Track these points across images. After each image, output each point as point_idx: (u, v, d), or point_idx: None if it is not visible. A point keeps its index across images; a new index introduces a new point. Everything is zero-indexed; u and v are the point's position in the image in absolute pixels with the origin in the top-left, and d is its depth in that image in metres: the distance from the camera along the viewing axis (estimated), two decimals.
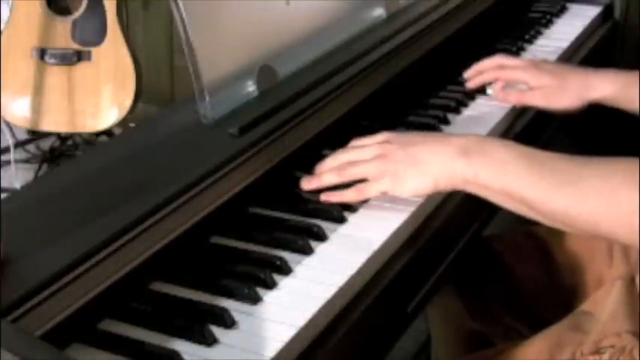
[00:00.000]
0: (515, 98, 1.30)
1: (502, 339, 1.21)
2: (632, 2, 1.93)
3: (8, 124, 2.46)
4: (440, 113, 1.26)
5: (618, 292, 1.07)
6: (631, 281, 1.09)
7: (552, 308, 1.20)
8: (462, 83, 1.36)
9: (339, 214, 1.00)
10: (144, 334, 0.81)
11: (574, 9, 1.77)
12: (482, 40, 1.52)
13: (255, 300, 0.85)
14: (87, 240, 0.83)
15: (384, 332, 0.99)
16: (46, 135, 2.57)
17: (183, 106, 1.12)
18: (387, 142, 1.03)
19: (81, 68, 2.25)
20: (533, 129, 1.34)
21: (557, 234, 1.25)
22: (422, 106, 1.29)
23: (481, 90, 1.35)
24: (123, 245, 0.84)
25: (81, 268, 0.80)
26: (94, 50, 2.24)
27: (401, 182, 0.99)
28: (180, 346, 0.79)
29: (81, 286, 0.79)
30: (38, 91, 2.28)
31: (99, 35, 2.24)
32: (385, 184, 1.00)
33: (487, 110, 1.30)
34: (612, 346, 1.00)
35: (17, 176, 2.45)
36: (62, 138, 2.60)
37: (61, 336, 0.76)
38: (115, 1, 2.22)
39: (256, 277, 0.88)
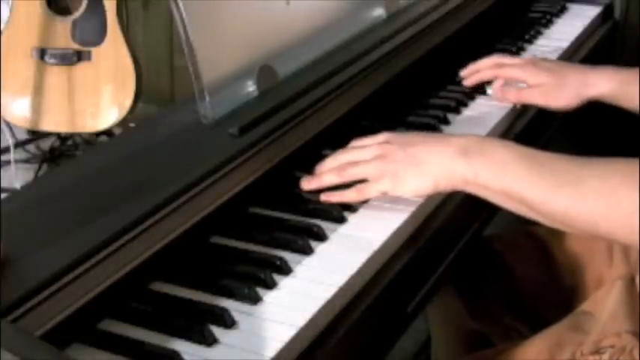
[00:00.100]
0: (514, 96, 1.30)
1: (502, 339, 1.21)
2: (632, 2, 1.93)
3: (8, 124, 2.46)
4: (440, 113, 1.26)
5: (618, 292, 1.07)
6: (631, 281, 1.09)
7: (552, 308, 1.20)
8: (461, 83, 1.36)
9: (339, 214, 1.00)
10: (144, 334, 0.81)
11: (574, 9, 1.77)
12: (482, 40, 1.52)
13: (255, 300, 0.85)
14: (87, 240, 0.83)
15: (384, 332, 0.99)
16: (46, 135, 2.57)
17: (183, 106, 1.12)
18: (387, 142, 1.03)
19: (81, 68, 2.25)
20: (533, 129, 1.34)
21: (557, 234, 1.25)
22: (422, 106, 1.29)
23: (481, 90, 1.35)
24: (123, 245, 0.84)
25: (81, 268, 0.80)
26: (94, 50, 2.24)
27: (401, 182, 0.99)
28: (180, 346, 0.79)
29: (81, 286, 0.79)
30: (38, 91, 2.28)
31: (99, 35, 2.24)
32: (385, 184, 1.00)
33: (487, 110, 1.30)
34: (612, 346, 1.00)
35: (17, 176, 2.45)
36: (62, 138, 2.60)
37: (61, 336, 0.76)
38: (115, 1, 2.22)
39: (256, 277, 0.88)
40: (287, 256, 0.92)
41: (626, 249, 1.14)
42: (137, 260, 0.85)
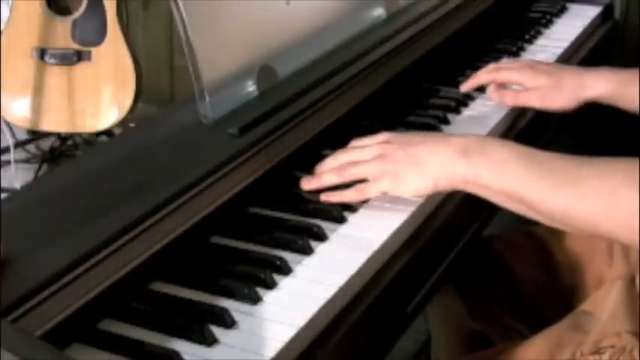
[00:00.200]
0: (511, 99, 1.30)
1: (502, 339, 1.21)
2: (632, 2, 1.93)
3: (8, 124, 2.46)
4: (440, 113, 1.26)
5: (618, 292, 1.07)
6: (631, 281, 1.09)
7: (552, 308, 1.20)
8: (461, 84, 1.36)
9: (339, 214, 1.00)
10: (144, 334, 0.81)
11: (574, 9, 1.77)
12: (483, 40, 1.52)
13: (255, 300, 0.85)
14: (87, 240, 0.83)
15: (384, 332, 0.99)
16: (46, 135, 2.57)
17: (183, 106, 1.12)
18: (387, 142, 1.03)
19: (81, 68, 2.25)
20: (533, 129, 1.34)
21: (557, 234, 1.25)
22: (422, 106, 1.29)
23: (481, 89, 1.35)
24: (123, 245, 0.84)
25: (81, 268, 0.80)
26: (94, 50, 2.24)
27: (401, 182, 0.99)
28: (180, 346, 0.79)
29: (81, 286, 0.79)
30: (38, 91, 2.28)
31: (99, 35, 2.24)
32: (385, 184, 1.00)
33: (487, 110, 1.30)
34: (612, 346, 1.00)
35: (17, 176, 2.45)
36: (62, 138, 2.60)
37: (61, 336, 0.76)
38: (115, 1, 2.22)
39: (256, 277, 0.88)
40: (287, 256, 0.92)
41: (626, 249, 1.14)
42: (137, 260, 0.85)
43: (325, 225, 0.98)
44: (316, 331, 0.84)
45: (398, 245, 0.98)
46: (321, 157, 1.06)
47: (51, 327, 0.75)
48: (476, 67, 1.37)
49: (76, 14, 2.25)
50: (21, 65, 2.27)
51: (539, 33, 1.63)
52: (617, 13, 1.80)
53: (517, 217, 0.98)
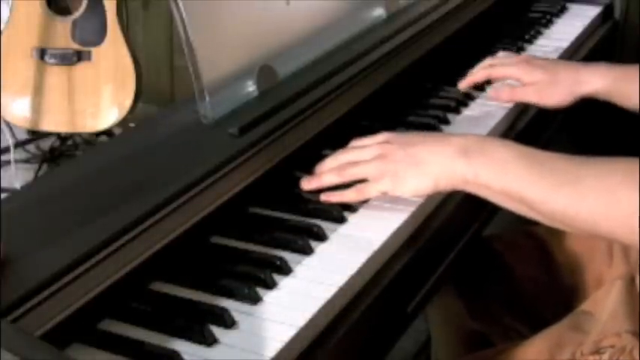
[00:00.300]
0: (507, 95, 1.31)
1: (502, 339, 1.21)
2: (632, 2, 1.93)
3: (8, 124, 2.46)
4: (440, 113, 1.26)
5: (618, 292, 1.07)
6: (631, 281, 1.09)
7: (552, 308, 1.20)
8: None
9: (339, 214, 1.00)
10: (144, 334, 0.81)
11: (574, 9, 1.77)
12: (483, 40, 1.52)
13: (255, 300, 0.85)
14: (87, 240, 0.83)
15: (384, 332, 0.99)
16: (46, 135, 2.57)
17: (183, 106, 1.12)
18: (387, 142, 1.03)
19: (81, 68, 2.25)
20: (533, 129, 1.34)
21: (557, 234, 1.25)
22: (422, 106, 1.29)
23: (481, 89, 1.35)
24: (123, 245, 0.84)
25: (81, 268, 0.80)
26: (94, 50, 2.24)
27: (401, 182, 0.99)
28: (180, 346, 0.79)
29: (81, 286, 0.79)
30: (38, 91, 2.28)
31: (99, 35, 2.24)
32: (385, 184, 1.00)
33: (487, 110, 1.30)
34: (612, 346, 1.00)
35: (17, 176, 2.45)
36: (62, 138, 2.60)
37: (61, 336, 0.76)
38: (115, 1, 2.22)
39: (256, 277, 0.88)
40: (287, 256, 0.92)
41: (626, 249, 1.14)
42: (137, 260, 0.85)
43: (325, 225, 0.98)
44: (316, 331, 0.84)
45: (398, 245, 0.98)
46: (321, 157, 1.06)
47: (51, 327, 0.75)
48: None
49: (76, 14, 2.25)
50: (21, 65, 2.27)
51: (539, 33, 1.63)
52: (617, 13, 1.80)
53: (517, 217, 0.98)
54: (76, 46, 2.25)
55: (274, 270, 0.90)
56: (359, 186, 1.01)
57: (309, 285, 0.88)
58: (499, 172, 0.95)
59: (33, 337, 0.73)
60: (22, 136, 2.64)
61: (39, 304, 0.76)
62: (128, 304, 0.84)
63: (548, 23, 1.68)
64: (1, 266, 0.77)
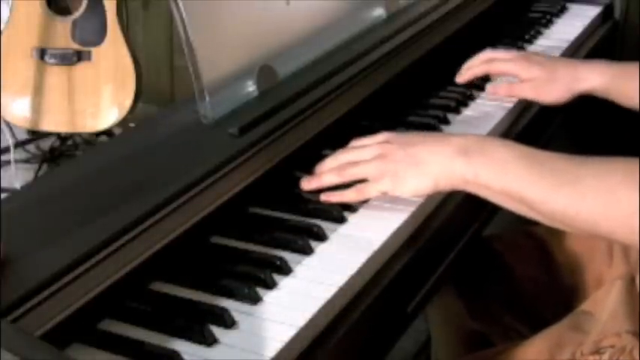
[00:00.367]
0: (505, 91, 1.31)
1: (502, 339, 1.21)
2: (632, 2, 1.93)
3: (8, 124, 2.46)
4: (440, 113, 1.26)
5: (618, 292, 1.07)
6: (631, 281, 1.09)
7: (552, 308, 1.20)
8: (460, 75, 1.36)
9: (339, 214, 1.00)
10: (144, 334, 0.81)
11: (574, 9, 1.77)
12: (483, 40, 1.52)
13: (255, 300, 0.85)
14: (87, 240, 0.83)
15: (384, 332, 0.99)
16: (46, 135, 2.57)
17: (183, 106, 1.12)
18: (387, 142, 1.03)
19: (81, 68, 2.25)
20: (533, 129, 1.34)
21: (556, 234, 1.25)
22: (422, 106, 1.29)
23: (481, 88, 1.35)
24: (123, 245, 0.84)
25: (81, 268, 0.80)
26: (94, 50, 2.24)
27: (401, 182, 0.99)
28: (180, 346, 0.79)
29: (81, 286, 0.79)
30: (38, 91, 2.28)
31: (99, 35, 2.24)
32: (385, 184, 1.00)
33: (487, 110, 1.30)
34: (612, 346, 1.00)
35: (17, 176, 2.45)
36: (62, 138, 2.60)
37: (61, 336, 0.76)
38: (115, 1, 2.22)
39: (256, 277, 0.88)
40: (287, 256, 0.92)
41: (626, 249, 1.14)
42: (137, 260, 0.85)
43: (325, 225, 0.98)
44: (316, 331, 0.84)
45: (398, 245, 0.98)
46: (321, 157, 1.06)
47: (51, 327, 0.75)
48: None
49: (76, 14, 2.25)
50: (21, 65, 2.27)
51: (539, 33, 1.63)
52: (617, 13, 1.80)
53: (517, 217, 0.98)
54: (76, 46, 2.25)
55: (274, 270, 0.90)
56: (359, 186, 1.01)
57: (309, 285, 0.88)
58: (499, 172, 0.95)
59: (33, 337, 0.73)
60: (22, 136, 2.64)
61: (39, 304, 0.76)
62: (128, 304, 0.84)
63: (548, 23, 1.68)
64: (1, 266, 0.77)
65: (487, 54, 1.34)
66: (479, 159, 0.96)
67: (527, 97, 1.30)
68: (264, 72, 1.15)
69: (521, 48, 1.54)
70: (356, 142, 1.07)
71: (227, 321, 0.82)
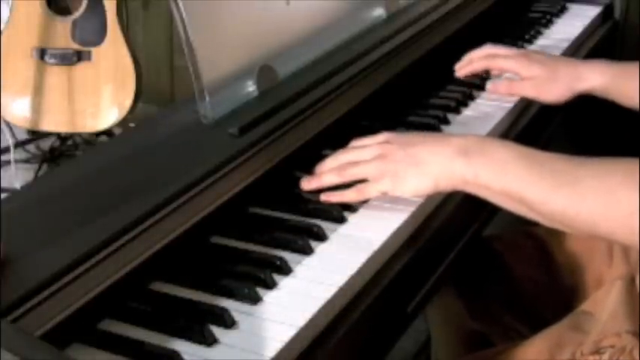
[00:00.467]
0: (505, 88, 1.31)
1: (502, 339, 1.21)
2: (632, 2, 1.93)
3: (8, 124, 2.46)
4: (440, 113, 1.26)
5: (618, 292, 1.07)
6: (631, 281, 1.09)
7: (552, 308, 1.20)
8: (462, 83, 1.36)
9: (339, 214, 1.00)
10: (144, 334, 0.81)
11: (574, 9, 1.77)
12: (483, 40, 1.52)
13: (255, 300, 0.85)
14: (87, 240, 0.83)
15: (384, 332, 0.99)
16: (46, 135, 2.57)
17: (183, 106, 1.12)
18: (387, 142, 1.03)
19: (81, 68, 2.25)
20: (533, 129, 1.34)
21: (556, 234, 1.25)
22: (422, 106, 1.29)
23: (481, 87, 1.35)
24: (123, 245, 0.84)
25: (81, 268, 0.80)
26: (94, 50, 2.24)
27: (401, 182, 0.99)
28: (180, 346, 0.79)
29: (81, 286, 0.79)
30: (38, 91, 2.28)
31: (99, 35, 2.24)
32: (385, 184, 1.00)
33: (487, 110, 1.30)
34: (612, 346, 1.00)
35: (17, 176, 2.45)
36: (62, 138, 2.60)
37: (61, 336, 0.76)
38: (115, 1, 2.22)
39: (256, 277, 0.88)
40: (287, 256, 0.92)
41: (626, 249, 1.14)
42: (137, 260, 0.85)
43: (325, 225, 0.98)
44: (316, 331, 0.84)
45: (398, 245, 0.98)
46: (321, 157, 1.06)
47: (51, 327, 0.75)
48: None
49: (76, 14, 2.25)
50: (21, 65, 2.27)
51: (539, 33, 1.63)
52: (617, 13, 1.80)
53: (517, 218, 0.98)
54: (76, 46, 2.25)
55: (274, 270, 0.90)
56: (359, 186, 1.01)
57: (309, 285, 0.88)
58: (499, 173, 0.95)
59: (33, 337, 0.73)
60: (22, 136, 2.64)
61: (39, 304, 0.76)
62: (128, 304, 0.84)
63: (548, 23, 1.68)
64: (1, 266, 0.77)
65: (488, 49, 1.34)
66: (479, 159, 0.96)
67: (527, 95, 1.30)
68: (264, 72, 1.15)
69: (521, 48, 1.54)
70: (356, 142, 1.07)
71: (227, 321, 0.82)
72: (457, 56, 1.41)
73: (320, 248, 0.95)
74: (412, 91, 1.32)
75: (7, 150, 2.48)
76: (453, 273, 1.16)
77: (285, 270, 0.90)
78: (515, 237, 1.31)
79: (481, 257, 1.28)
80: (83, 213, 0.88)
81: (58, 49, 2.25)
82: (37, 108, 2.28)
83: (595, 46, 1.67)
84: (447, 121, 1.25)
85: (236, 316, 0.83)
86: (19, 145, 2.61)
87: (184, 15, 1.04)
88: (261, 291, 0.86)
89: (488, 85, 1.35)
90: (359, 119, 1.19)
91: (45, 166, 2.57)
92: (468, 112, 1.30)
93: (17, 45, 2.26)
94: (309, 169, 1.06)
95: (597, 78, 1.25)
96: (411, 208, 1.01)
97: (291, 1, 1.21)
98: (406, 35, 1.37)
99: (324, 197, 1.02)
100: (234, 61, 1.12)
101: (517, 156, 0.95)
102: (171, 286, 0.88)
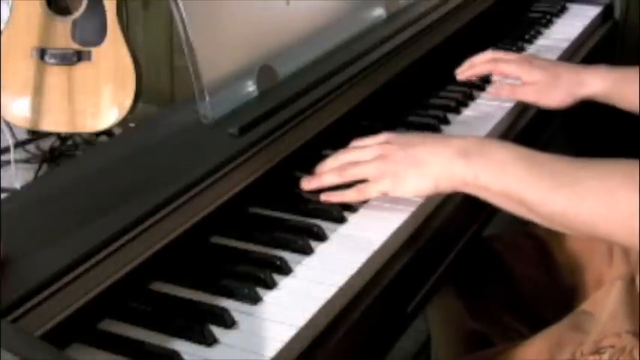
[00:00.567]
0: (507, 92, 1.31)
1: (502, 339, 1.21)
2: (632, 2, 1.93)
3: (8, 124, 2.46)
4: (440, 113, 1.26)
5: (618, 292, 1.07)
6: (631, 281, 1.09)
7: (552, 308, 1.20)
8: (462, 83, 1.36)
9: (339, 214, 1.00)
10: (144, 334, 0.81)
11: (574, 9, 1.77)
12: (483, 40, 1.52)
13: (255, 300, 0.85)
14: (87, 240, 0.83)
15: (384, 332, 0.99)
16: (46, 135, 2.57)
17: (183, 106, 1.12)
18: (387, 142, 1.03)
19: (81, 68, 2.25)
20: (532, 130, 1.34)
21: (556, 234, 1.25)
22: (422, 106, 1.29)
23: (482, 88, 1.35)
24: (123, 245, 0.84)
25: (81, 268, 0.80)
26: (94, 50, 2.24)
27: (401, 183, 0.99)
28: (180, 346, 0.79)
29: (81, 286, 0.79)
30: (38, 91, 2.28)
31: (99, 35, 2.24)
32: (385, 184, 1.00)
33: (487, 110, 1.30)
34: (612, 346, 1.00)
35: (17, 176, 2.45)
36: (62, 138, 2.60)
37: (61, 336, 0.76)
38: (115, 1, 2.22)
39: (256, 277, 0.88)
40: (287, 256, 0.92)
41: (626, 249, 1.14)
42: (137, 260, 0.85)
43: (325, 225, 0.98)
44: (316, 331, 0.84)
45: (398, 245, 0.98)
46: (321, 157, 1.06)
47: (51, 327, 0.75)
48: None
49: (76, 14, 2.25)
50: (21, 65, 2.27)
51: (539, 33, 1.63)
52: (617, 13, 1.80)
53: (517, 218, 0.98)
54: (76, 46, 2.25)
55: (274, 270, 0.90)
56: (359, 186, 1.01)
57: (309, 285, 0.88)
58: (498, 174, 0.94)
59: (33, 337, 0.73)
60: (22, 136, 2.64)
61: (39, 304, 0.76)
62: (128, 304, 0.84)
63: (548, 23, 1.68)
64: (1, 266, 0.77)
65: (491, 54, 1.34)
66: (478, 161, 0.96)
67: (529, 100, 1.30)
68: (264, 72, 1.15)
69: (521, 48, 1.54)
70: (356, 143, 1.07)
71: (227, 321, 0.82)
72: (457, 56, 1.41)
73: (320, 248, 0.95)
74: (412, 91, 1.32)
75: (7, 150, 2.48)
76: (453, 273, 1.16)
77: (285, 270, 0.90)
78: (515, 237, 1.31)
79: (481, 257, 1.28)
80: (83, 213, 0.88)
81: (58, 49, 2.25)
82: (37, 108, 2.28)
83: (595, 46, 1.67)
84: (447, 121, 1.25)
85: (236, 316, 0.83)
86: (19, 145, 2.61)
87: (184, 15, 1.04)
88: (261, 291, 0.86)
89: (490, 87, 1.35)
90: (359, 119, 1.19)
91: (45, 166, 2.57)
92: (468, 112, 1.30)
93: (17, 45, 2.26)
94: (309, 169, 1.06)
95: (599, 83, 1.25)
96: (411, 209, 1.01)
97: (291, 1, 1.21)
98: (406, 35, 1.37)
99: (324, 197, 1.02)
100: (234, 61, 1.12)
101: (516, 157, 0.95)
102: (171, 286, 0.88)
